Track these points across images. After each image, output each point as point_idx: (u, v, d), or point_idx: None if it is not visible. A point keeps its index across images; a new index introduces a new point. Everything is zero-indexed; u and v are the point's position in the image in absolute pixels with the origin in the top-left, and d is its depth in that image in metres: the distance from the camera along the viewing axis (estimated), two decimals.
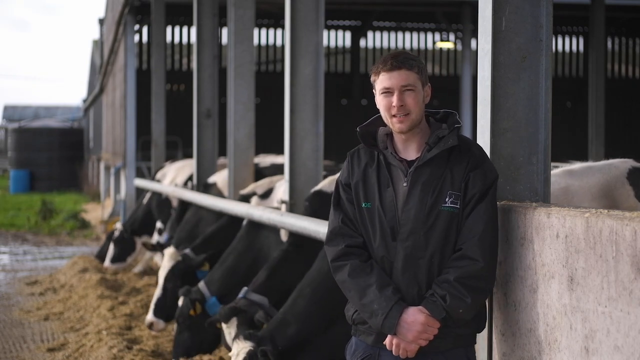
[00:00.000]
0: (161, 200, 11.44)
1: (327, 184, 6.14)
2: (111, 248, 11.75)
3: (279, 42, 25.40)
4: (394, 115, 3.51)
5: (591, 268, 3.05)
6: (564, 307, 3.22)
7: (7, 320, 9.49)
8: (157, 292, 7.73)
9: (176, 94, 24.12)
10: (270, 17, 24.40)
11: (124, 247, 11.66)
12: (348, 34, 25.90)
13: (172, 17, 23.29)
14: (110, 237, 12.25)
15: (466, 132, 19.40)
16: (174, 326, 7.46)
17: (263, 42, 25.50)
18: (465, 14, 20.16)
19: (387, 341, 3.49)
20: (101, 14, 51.64)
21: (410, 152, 3.58)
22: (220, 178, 9.93)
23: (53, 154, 33.94)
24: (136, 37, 22.16)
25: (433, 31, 25.94)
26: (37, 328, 9.08)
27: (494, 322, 3.75)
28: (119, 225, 11.73)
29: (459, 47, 23.28)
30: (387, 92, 3.52)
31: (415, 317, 3.42)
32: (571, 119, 24.92)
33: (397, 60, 3.52)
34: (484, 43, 3.84)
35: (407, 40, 26.05)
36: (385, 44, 25.99)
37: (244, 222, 7.21)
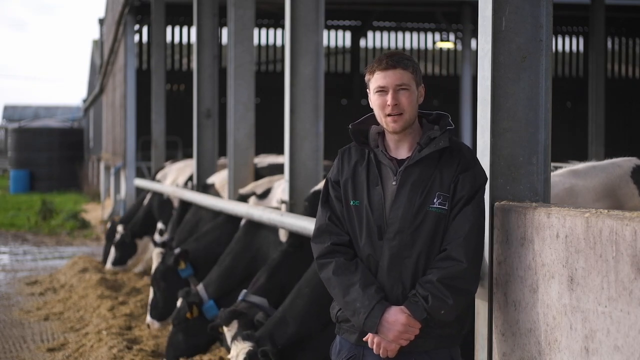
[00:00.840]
0: (162, 201, 11.44)
1: None
2: (112, 251, 11.76)
3: (279, 42, 25.41)
4: (388, 115, 3.52)
5: (591, 268, 3.05)
6: (564, 307, 3.22)
7: (7, 320, 9.49)
8: (150, 293, 7.82)
9: (176, 94, 24.12)
10: (270, 17, 24.41)
11: (125, 250, 11.67)
12: (348, 34, 25.91)
13: (172, 17, 23.30)
14: (110, 237, 12.26)
15: (466, 132, 19.41)
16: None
17: (263, 42, 25.51)
18: (465, 14, 20.17)
19: (368, 339, 3.50)
20: (101, 14, 51.67)
21: (402, 152, 3.58)
22: (218, 179, 9.93)
23: (53, 154, 33.93)
24: (136, 37, 22.17)
25: (433, 31, 25.94)
26: (37, 328, 9.08)
27: (494, 322, 3.75)
28: (120, 229, 11.71)
29: (459, 47, 23.28)
30: (382, 90, 3.53)
31: (396, 317, 3.42)
32: (571, 119, 24.93)
33: (393, 59, 3.52)
34: (484, 43, 3.84)
35: (407, 40, 26.06)
36: (385, 44, 26.00)
37: (242, 223, 7.20)
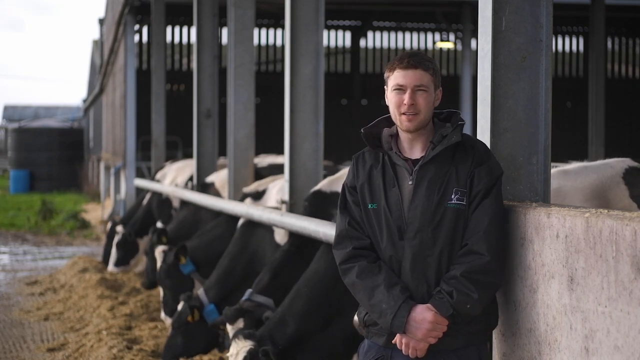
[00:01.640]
0: (162, 201, 11.44)
1: (326, 184, 6.14)
2: (114, 252, 11.74)
3: (279, 42, 25.40)
4: (403, 113, 3.52)
5: (591, 268, 3.05)
6: (564, 307, 3.22)
7: (7, 320, 9.49)
8: (160, 291, 8.00)
9: (176, 94, 24.12)
10: (270, 17, 24.40)
11: (127, 250, 11.66)
12: (348, 34, 25.91)
13: (172, 17, 23.30)
14: (109, 236, 12.25)
15: (466, 132, 19.40)
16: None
17: (263, 42, 25.50)
18: (465, 14, 20.17)
19: (397, 340, 3.48)
20: (101, 14, 51.64)
21: (416, 152, 3.58)
22: (218, 178, 9.93)
23: (53, 154, 33.93)
24: (136, 37, 22.17)
25: (433, 31, 25.94)
26: (37, 328, 9.08)
27: None
28: (120, 229, 11.71)
29: (459, 47, 23.29)
30: (400, 89, 3.52)
31: (423, 315, 3.41)
32: (571, 119, 24.93)
33: (414, 59, 3.52)
34: (484, 43, 3.84)
35: (407, 40, 26.06)
36: (385, 44, 26.00)
37: (239, 224, 7.22)
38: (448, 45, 25.58)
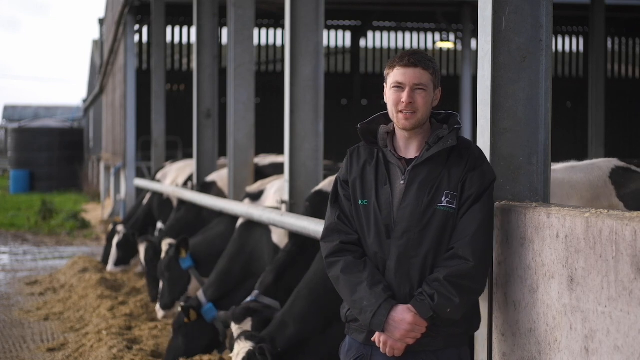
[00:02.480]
0: (162, 201, 11.45)
1: (327, 184, 6.14)
2: (114, 252, 11.74)
3: (279, 42, 25.41)
4: (400, 111, 3.51)
5: (591, 268, 3.05)
6: (564, 307, 3.22)
7: (7, 320, 9.48)
8: (160, 282, 8.08)
9: (176, 94, 24.13)
10: (270, 17, 24.41)
11: (128, 250, 11.66)
12: (348, 34, 25.92)
13: (172, 17, 23.31)
14: (110, 237, 12.24)
15: (466, 132, 19.41)
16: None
17: (263, 42, 25.51)
18: (465, 14, 20.15)
19: (375, 338, 3.50)
20: (101, 14, 51.67)
21: (411, 151, 3.58)
22: (219, 177, 9.92)
23: (53, 154, 33.92)
24: (136, 37, 22.18)
25: (433, 31, 25.95)
26: (37, 328, 9.08)
27: (494, 322, 3.75)
28: (120, 228, 11.71)
29: (459, 47, 23.28)
30: (399, 87, 3.52)
31: (403, 316, 3.42)
32: (571, 119, 24.93)
33: (415, 57, 3.52)
34: (484, 43, 3.84)
35: (407, 40, 26.07)
36: (385, 44, 26.01)
37: (237, 225, 7.23)
38: (448, 45, 25.58)
